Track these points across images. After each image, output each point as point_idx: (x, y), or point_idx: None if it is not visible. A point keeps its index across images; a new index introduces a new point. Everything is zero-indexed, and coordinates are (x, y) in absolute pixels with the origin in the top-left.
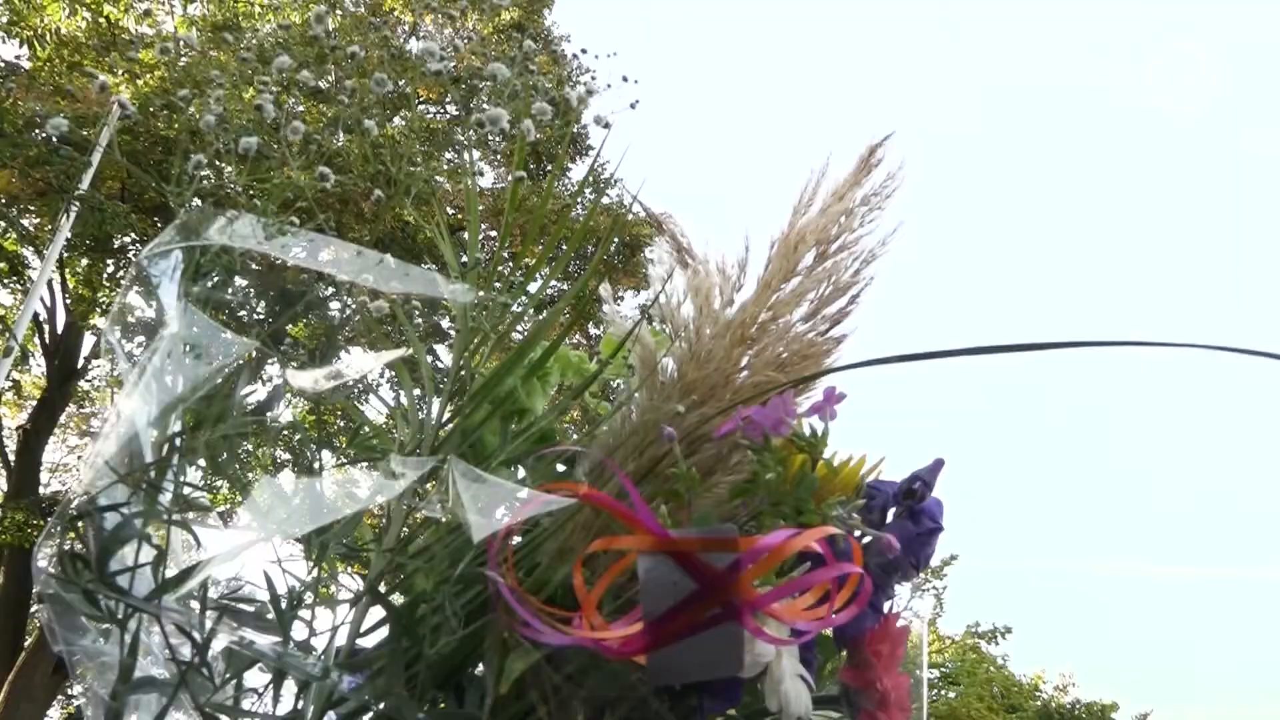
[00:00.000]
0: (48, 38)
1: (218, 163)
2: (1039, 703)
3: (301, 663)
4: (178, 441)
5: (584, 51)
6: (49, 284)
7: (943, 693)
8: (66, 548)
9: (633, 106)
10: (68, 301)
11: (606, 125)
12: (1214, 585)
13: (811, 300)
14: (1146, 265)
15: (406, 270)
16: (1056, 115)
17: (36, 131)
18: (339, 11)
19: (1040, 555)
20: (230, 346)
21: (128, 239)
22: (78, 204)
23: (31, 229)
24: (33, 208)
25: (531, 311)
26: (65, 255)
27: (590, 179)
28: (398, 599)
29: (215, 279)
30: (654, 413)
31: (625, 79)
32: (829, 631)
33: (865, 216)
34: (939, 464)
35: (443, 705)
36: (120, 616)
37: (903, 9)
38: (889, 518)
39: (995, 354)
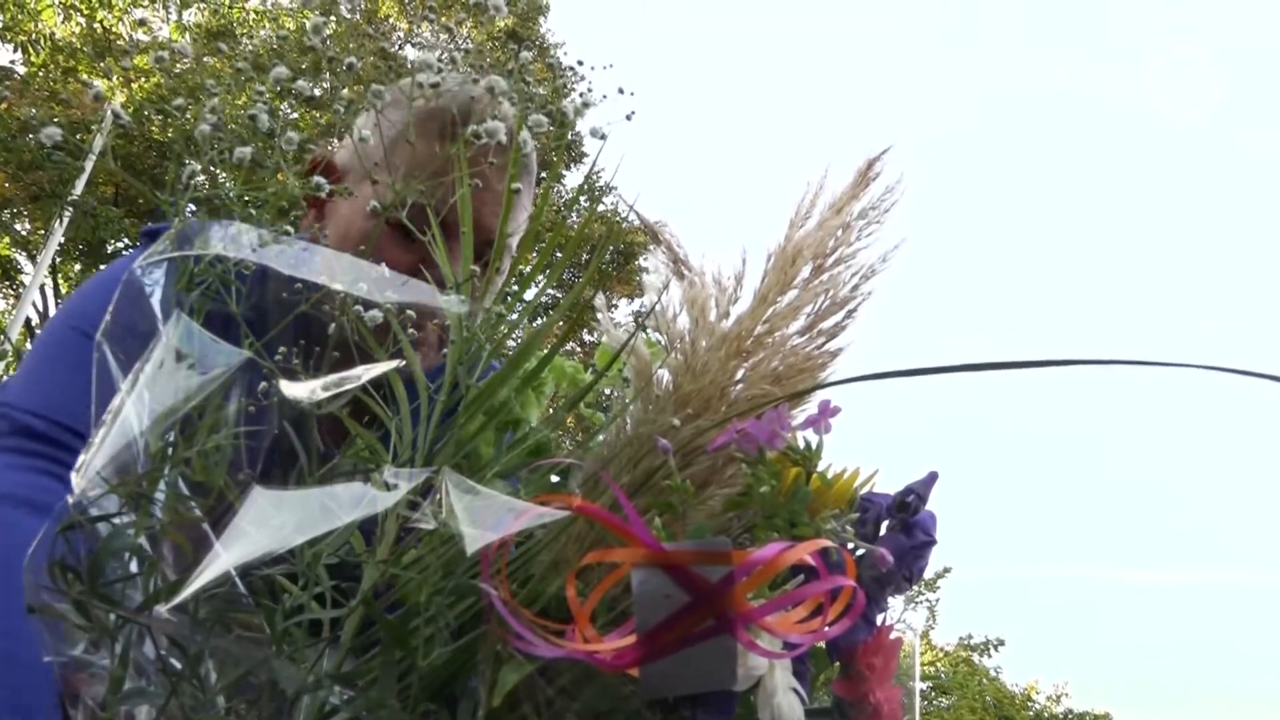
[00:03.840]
0: (42, 43)
1: (213, 168)
2: (1031, 713)
3: (294, 674)
4: (170, 452)
5: (581, 63)
6: (42, 289)
7: (935, 702)
8: (57, 557)
9: (628, 118)
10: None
11: (603, 137)
12: (1211, 591)
13: (808, 314)
14: (1147, 270)
15: (402, 279)
16: (1056, 119)
17: (30, 136)
18: (334, 18)
19: (1036, 564)
20: (223, 356)
21: (121, 244)
22: (71, 208)
23: (25, 233)
24: (26, 212)
25: (526, 320)
26: (58, 260)
27: (585, 186)
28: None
29: (209, 288)
30: (649, 425)
31: (621, 91)
32: (822, 644)
33: (863, 230)
34: (933, 477)
35: (436, 717)
36: (111, 627)
37: (902, 14)
38: (882, 530)
39: (991, 370)
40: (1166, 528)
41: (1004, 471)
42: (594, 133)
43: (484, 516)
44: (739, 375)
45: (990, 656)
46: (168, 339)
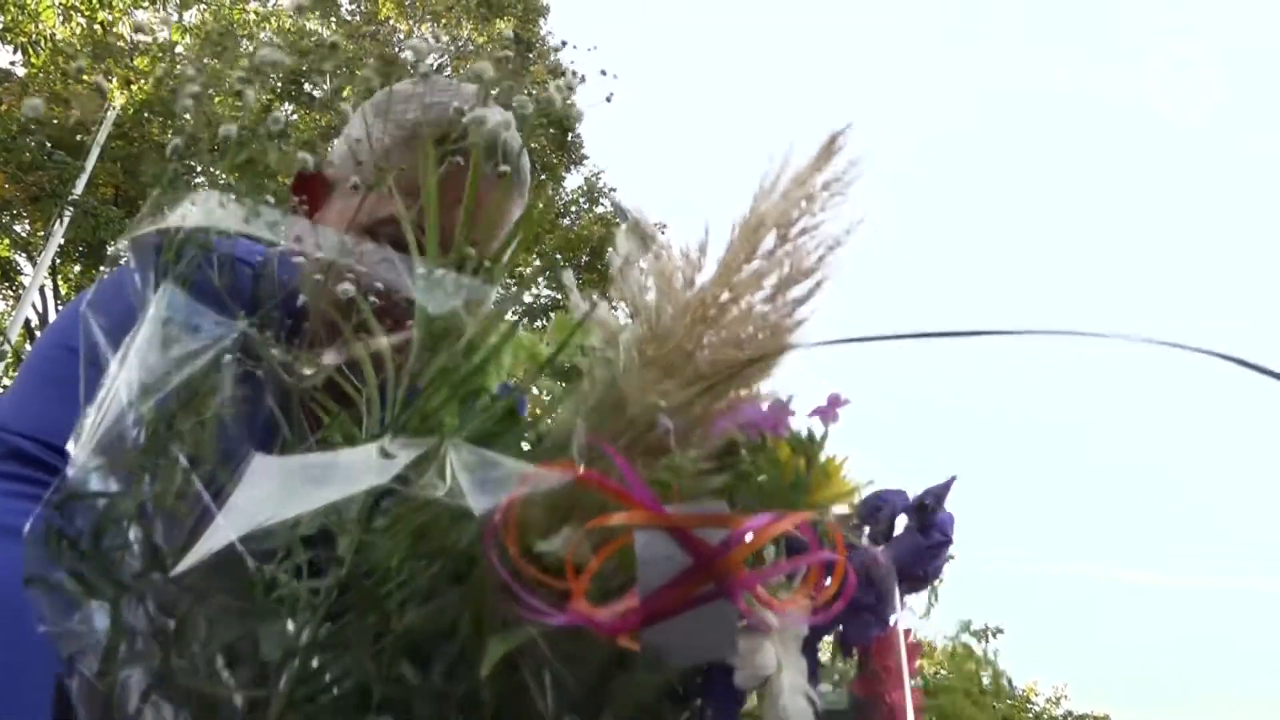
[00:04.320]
0: (43, 44)
1: (195, 147)
2: (1031, 715)
3: (275, 641)
4: (166, 424)
5: (595, 48)
6: (41, 290)
7: (934, 701)
8: (56, 528)
9: (608, 100)
10: (60, 308)
11: (579, 117)
12: (1210, 593)
13: (773, 283)
14: (1147, 270)
15: (382, 254)
16: (1055, 119)
17: (30, 138)
18: (333, 20)
19: (1033, 562)
20: (212, 327)
21: (121, 244)
22: (71, 209)
23: (24, 234)
24: (25, 214)
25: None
26: (58, 261)
27: (586, 188)
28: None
29: (195, 260)
30: (615, 391)
31: (604, 73)
32: (838, 640)
33: (827, 202)
34: (951, 482)
35: (412, 678)
36: (106, 596)
37: (902, 14)
38: (897, 529)
39: (958, 338)
40: (1167, 528)
41: (1003, 467)
42: (573, 115)
43: (488, 481)
44: (704, 340)
45: (987, 642)
46: (156, 309)
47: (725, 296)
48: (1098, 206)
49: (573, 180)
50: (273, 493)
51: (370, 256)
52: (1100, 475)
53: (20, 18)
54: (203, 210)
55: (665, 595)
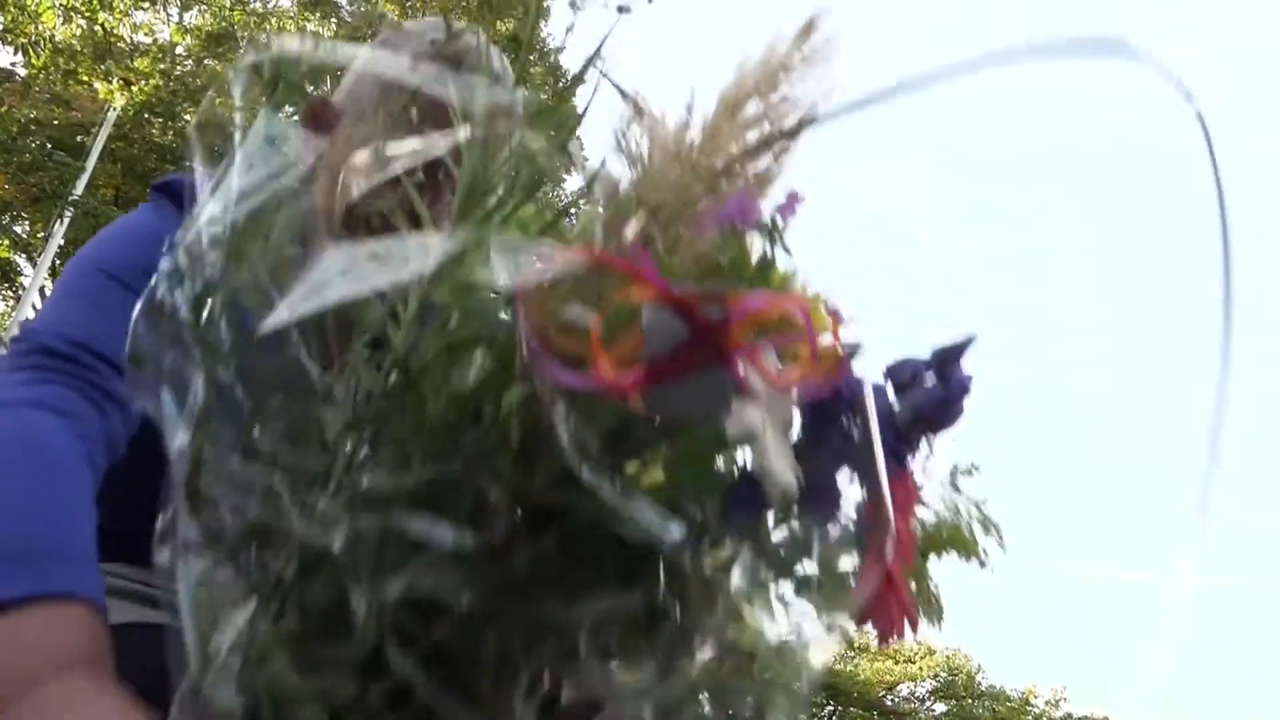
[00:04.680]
0: (43, 45)
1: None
2: (1030, 718)
3: (336, 417)
4: (252, 227)
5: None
6: (41, 290)
7: (931, 708)
8: (163, 301)
9: (622, 10)
10: None
11: (575, 4)
12: (1212, 594)
13: (755, 138)
14: (1146, 269)
15: (450, 76)
16: (1055, 119)
17: (31, 139)
18: (333, 20)
19: (1035, 562)
20: (296, 148)
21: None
22: (71, 210)
23: (24, 235)
24: (25, 214)
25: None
26: (58, 262)
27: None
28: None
29: (289, 88)
30: (619, 216)
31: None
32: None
33: (806, 73)
34: (969, 341)
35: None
36: (207, 361)
37: (902, 14)
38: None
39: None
40: (1166, 529)
41: (1001, 468)
42: (572, 4)
43: (518, 260)
44: (694, 190)
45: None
46: (258, 128)
47: (712, 148)
48: (1097, 206)
49: (572, 182)
50: (342, 273)
51: (429, 72)
52: (1100, 475)
53: (20, 19)
54: (291, 43)
55: (668, 362)
